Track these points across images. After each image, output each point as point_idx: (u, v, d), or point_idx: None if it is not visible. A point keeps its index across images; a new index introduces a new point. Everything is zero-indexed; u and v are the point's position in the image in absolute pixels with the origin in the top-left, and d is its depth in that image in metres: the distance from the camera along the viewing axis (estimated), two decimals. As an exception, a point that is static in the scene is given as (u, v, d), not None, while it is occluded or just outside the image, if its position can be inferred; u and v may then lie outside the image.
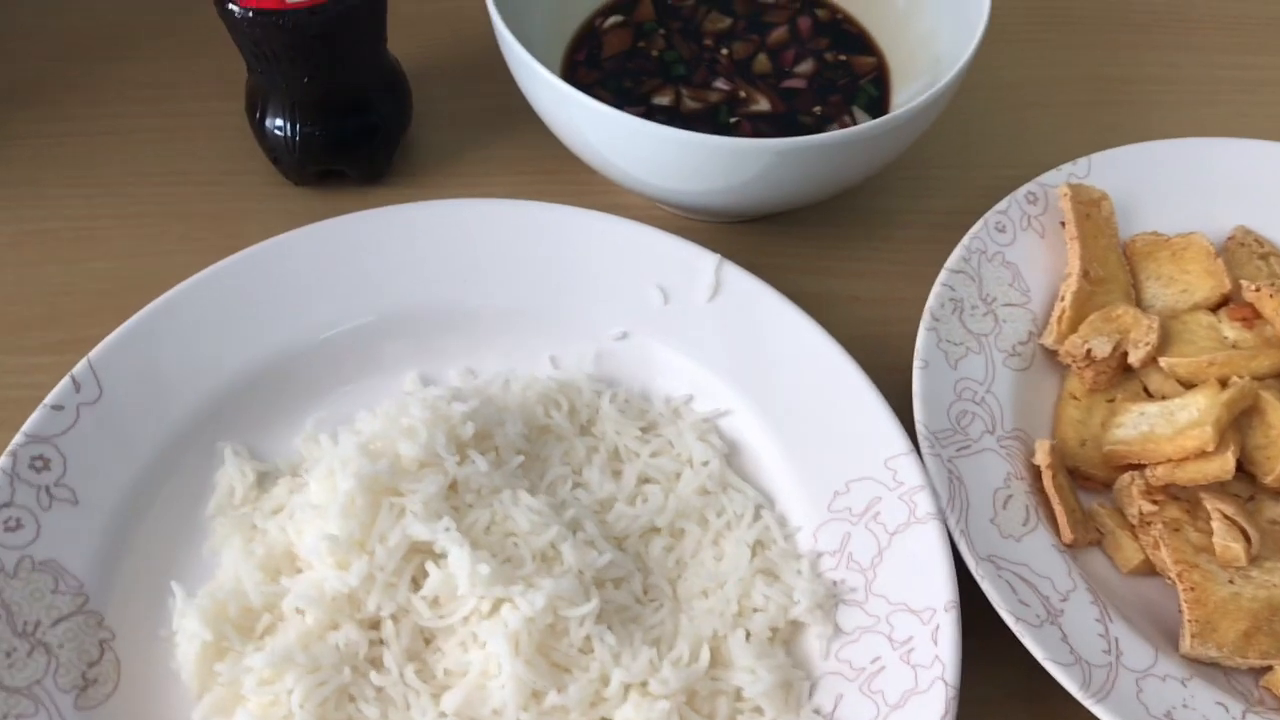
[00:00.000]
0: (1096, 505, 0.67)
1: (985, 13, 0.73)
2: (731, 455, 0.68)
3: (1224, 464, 0.63)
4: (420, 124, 0.85)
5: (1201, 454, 0.64)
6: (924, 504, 0.62)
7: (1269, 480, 0.65)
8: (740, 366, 0.69)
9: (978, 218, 0.75)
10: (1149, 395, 0.70)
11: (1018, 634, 0.59)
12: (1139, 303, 0.74)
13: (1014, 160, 0.85)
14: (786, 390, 0.68)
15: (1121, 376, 0.71)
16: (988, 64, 0.87)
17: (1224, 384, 0.67)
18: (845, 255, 0.80)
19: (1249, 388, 0.65)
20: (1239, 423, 0.65)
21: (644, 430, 0.68)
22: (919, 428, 0.65)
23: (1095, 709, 0.57)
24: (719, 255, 0.71)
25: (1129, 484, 0.66)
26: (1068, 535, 0.64)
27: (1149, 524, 0.64)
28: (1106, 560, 0.66)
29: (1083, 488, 0.68)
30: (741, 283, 0.70)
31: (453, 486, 0.63)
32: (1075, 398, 0.70)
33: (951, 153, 0.85)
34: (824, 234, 0.81)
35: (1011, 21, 0.93)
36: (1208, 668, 0.62)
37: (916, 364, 0.67)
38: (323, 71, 0.74)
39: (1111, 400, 0.70)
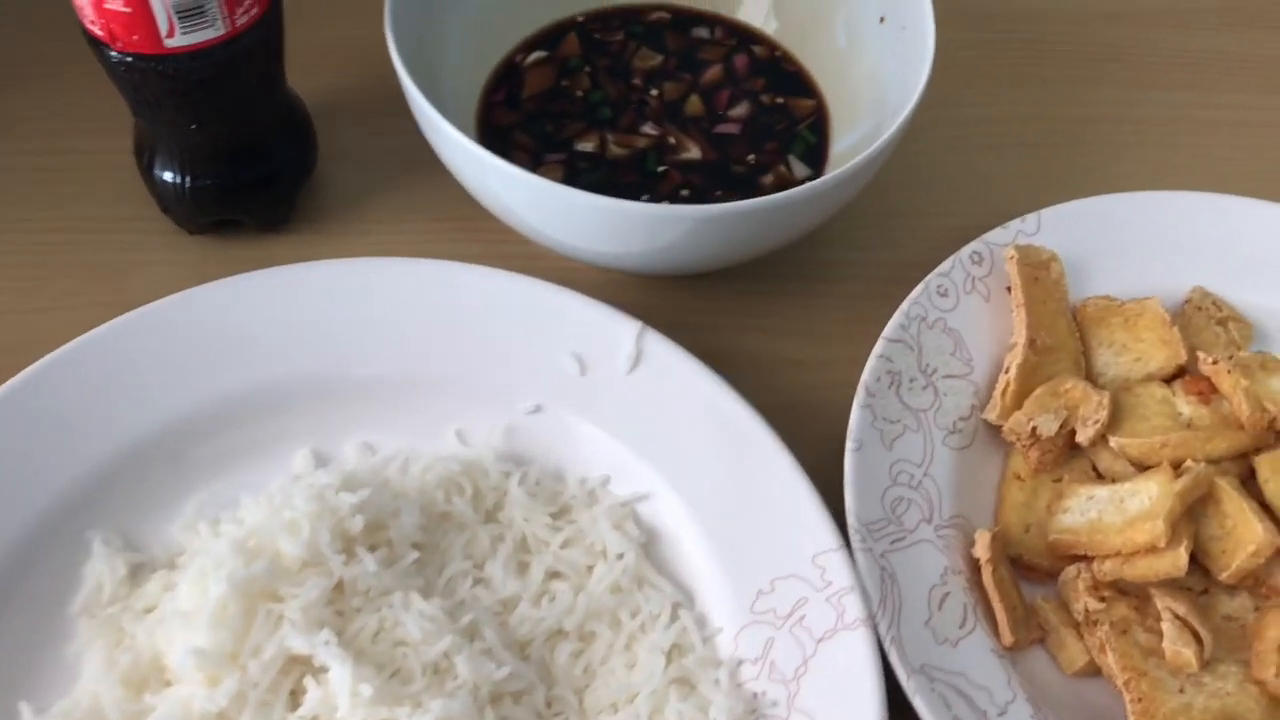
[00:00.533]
0: (1040, 599, 0.62)
1: (929, 55, 0.68)
2: (650, 543, 0.63)
3: (1176, 560, 0.59)
4: (327, 164, 0.79)
5: (1152, 548, 0.59)
6: (853, 608, 0.57)
7: (1224, 577, 0.60)
8: (661, 446, 0.64)
9: (923, 272, 0.71)
10: (1098, 474, 0.66)
11: (951, 756, 0.54)
12: (1089, 371, 0.69)
13: (964, 208, 0.80)
14: (711, 474, 0.63)
15: (1069, 454, 0.66)
16: (938, 102, 0.82)
17: (1177, 467, 0.62)
18: (780, 312, 0.75)
19: (1203, 475, 0.61)
20: (1193, 510, 0.61)
21: (555, 516, 0.63)
22: (850, 520, 0.60)
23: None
24: (641, 323, 0.66)
25: (1075, 577, 0.61)
26: (1008, 638, 0.59)
27: (1095, 623, 0.60)
28: (1049, 659, 0.61)
29: (1026, 578, 0.63)
30: (665, 353, 0.65)
31: (339, 587, 0.57)
32: (1020, 478, 0.65)
33: (898, 199, 0.80)
34: (758, 289, 0.76)
35: (964, 56, 0.87)
36: (1156, 783, 0.57)
37: (849, 446, 0.62)
38: (212, 118, 0.68)
39: (1059, 480, 0.65)
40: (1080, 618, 0.61)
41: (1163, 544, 0.58)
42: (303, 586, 0.56)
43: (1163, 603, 0.59)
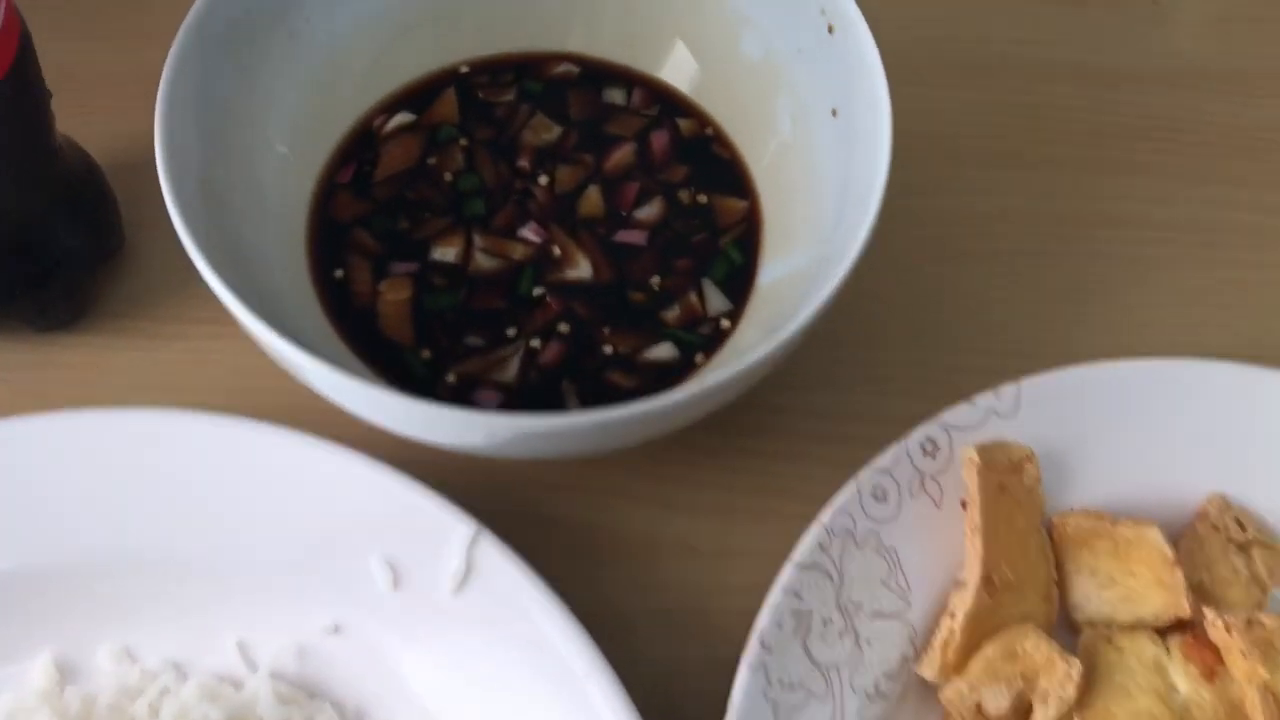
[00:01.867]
0: None
1: (881, 181, 0.51)
2: (461, 830, 0.49)
3: None
4: (141, 236, 0.64)
5: None
6: None
7: None
8: (490, 697, 0.49)
9: (871, 427, 0.56)
10: (1060, 757, 0.50)
11: None
12: (1065, 601, 0.53)
13: (930, 339, 0.63)
14: (544, 743, 0.48)
15: (1025, 727, 0.51)
16: (907, 188, 0.65)
17: (1161, 779, 0.47)
18: (688, 479, 0.59)
19: (1192, 810, 0.45)
20: (1174, 846, 0.46)
21: (344, 786, 0.49)
22: (711, 844, 0.45)
23: None
24: (476, 525, 0.50)
25: None
26: None
27: None
28: None
29: None
30: (504, 572, 0.50)
31: None
32: (956, 760, 0.50)
33: (844, 324, 0.63)
34: (663, 450, 0.59)
35: (947, 120, 0.69)
36: None
37: (727, 726, 0.47)
38: (-60, 209, 0.53)
39: (1007, 761, 0.50)
40: None
41: None
42: None
43: None
